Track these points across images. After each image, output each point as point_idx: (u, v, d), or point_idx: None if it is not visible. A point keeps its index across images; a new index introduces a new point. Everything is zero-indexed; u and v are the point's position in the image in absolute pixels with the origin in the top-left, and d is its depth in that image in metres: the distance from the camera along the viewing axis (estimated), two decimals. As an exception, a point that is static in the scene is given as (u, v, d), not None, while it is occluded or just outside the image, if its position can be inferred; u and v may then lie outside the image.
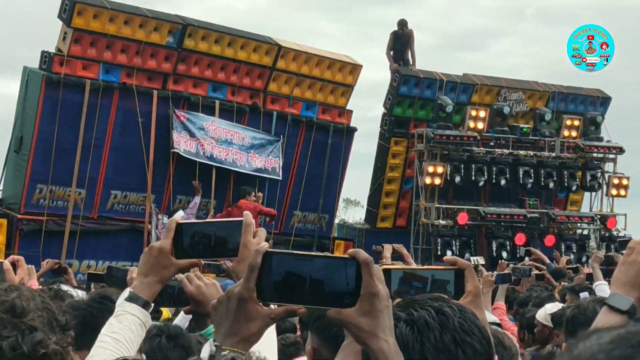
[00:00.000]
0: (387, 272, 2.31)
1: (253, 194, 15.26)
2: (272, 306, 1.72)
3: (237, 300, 1.68)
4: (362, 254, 1.65)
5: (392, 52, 18.43)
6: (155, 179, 15.61)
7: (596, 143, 19.38)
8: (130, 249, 15.48)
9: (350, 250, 1.67)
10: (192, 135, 15.72)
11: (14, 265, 3.74)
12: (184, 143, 15.62)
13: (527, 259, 13.95)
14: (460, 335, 1.87)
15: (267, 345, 2.45)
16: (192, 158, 15.70)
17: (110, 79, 15.14)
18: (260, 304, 1.70)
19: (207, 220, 2.86)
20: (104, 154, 15.23)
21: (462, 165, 18.03)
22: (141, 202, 15.68)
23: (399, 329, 1.83)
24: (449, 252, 17.32)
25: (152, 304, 2.44)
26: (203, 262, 2.36)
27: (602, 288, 6.25)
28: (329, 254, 1.75)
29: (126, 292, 2.42)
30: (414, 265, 8.52)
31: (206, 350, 1.64)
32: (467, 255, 17.18)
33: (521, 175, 18.51)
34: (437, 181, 17.75)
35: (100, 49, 15.00)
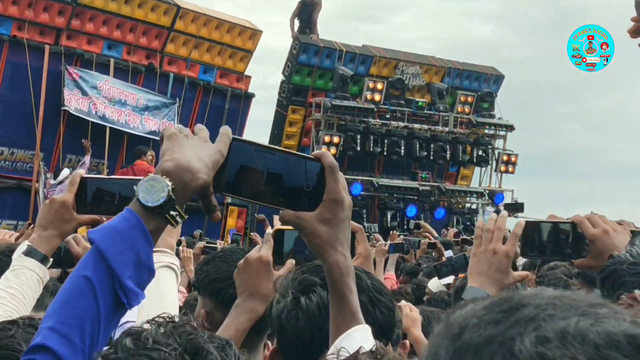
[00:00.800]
0: (280, 233, 2.28)
1: (149, 153, 14.99)
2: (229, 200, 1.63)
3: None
4: (329, 157, 1.56)
5: (297, 20, 18.35)
6: (45, 136, 15.14)
7: (488, 120, 19.88)
8: (15, 208, 15.03)
9: (316, 152, 1.57)
10: (84, 93, 15.29)
11: None
12: (76, 101, 15.18)
13: (415, 231, 14.21)
14: (375, 295, 1.86)
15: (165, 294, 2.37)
16: (84, 117, 15.29)
17: (0, 32, 14.54)
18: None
19: (112, 176, 2.78)
20: (-10, 108, 14.66)
21: (358, 136, 18.19)
22: (29, 160, 15.19)
23: (317, 293, 1.79)
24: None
25: (51, 259, 2.35)
26: (105, 218, 2.28)
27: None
28: (292, 151, 1.62)
29: (24, 246, 2.32)
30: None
31: (159, 190, 1.45)
32: (363, 223, 17.38)
33: (415, 149, 18.82)
34: (333, 151, 17.85)
35: (-10, -2, 14.39)
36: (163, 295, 2.27)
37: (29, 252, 2.30)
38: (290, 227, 2.26)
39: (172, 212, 1.43)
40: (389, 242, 8.04)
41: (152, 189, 1.43)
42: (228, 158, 1.52)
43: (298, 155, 1.59)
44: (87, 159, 14.68)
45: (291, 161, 1.56)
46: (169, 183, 1.43)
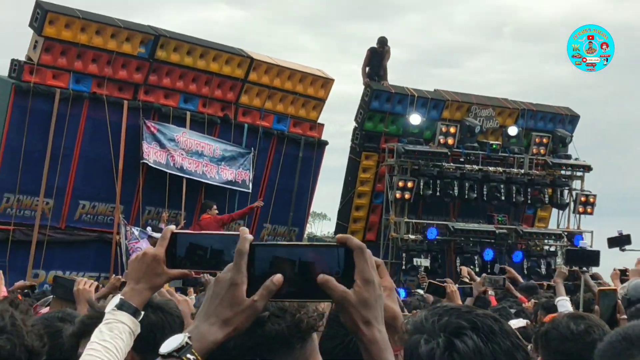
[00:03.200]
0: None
1: (214, 207, 15.24)
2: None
3: (228, 284, 1.60)
4: (355, 240, 1.61)
5: (367, 69, 18.52)
6: (124, 189, 15.51)
7: (564, 161, 19.59)
8: (98, 260, 15.37)
9: (339, 236, 1.61)
10: (162, 146, 15.65)
11: None
12: (154, 154, 15.54)
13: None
14: (515, 340, 1.90)
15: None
16: (162, 169, 15.63)
17: (81, 89, 15.04)
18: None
19: (203, 232, 2.87)
20: (72, 163, 15.10)
21: (432, 181, 18.13)
22: (109, 213, 15.57)
23: (469, 336, 1.83)
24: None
25: (142, 312, 2.42)
26: (194, 273, 2.35)
27: (564, 304, 6.31)
28: (316, 243, 1.68)
29: (116, 299, 2.39)
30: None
31: (176, 340, 1.59)
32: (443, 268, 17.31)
33: (490, 191, 18.64)
34: (407, 196, 17.83)
35: (71, 58, 14.90)
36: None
37: (121, 306, 2.37)
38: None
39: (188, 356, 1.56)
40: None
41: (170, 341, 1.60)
42: (254, 267, 1.59)
43: (322, 245, 1.65)
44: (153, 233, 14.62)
45: (317, 252, 1.61)
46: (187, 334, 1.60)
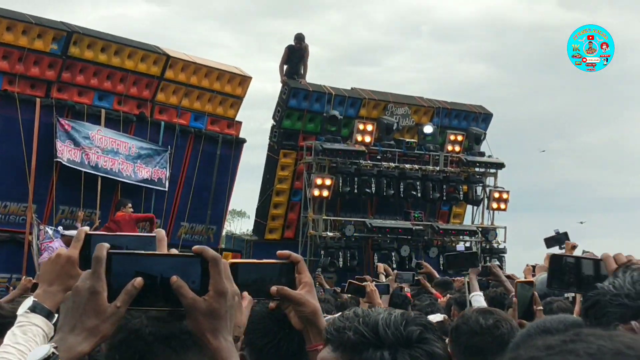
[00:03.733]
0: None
1: (129, 205, 15.03)
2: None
3: (88, 293, 1.59)
4: (210, 251, 1.63)
5: (285, 66, 18.54)
6: (37, 188, 15.18)
7: (478, 158, 20.00)
8: (9, 261, 15.01)
9: (195, 247, 1.63)
10: (76, 144, 15.37)
11: None
12: (68, 152, 15.25)
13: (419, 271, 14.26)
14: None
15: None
16: (76, 167, 15.35)
17: (-9, 85, 14.66)
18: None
19: (118, 233, 2.85)
20: (-18, 162, 14.71)
21: (350, 178, 18.28)
22: (22, 213, 15.21)
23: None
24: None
25: (56, 315, 2.35)
26: None
27: (477, 299, 6.46)
28: (173, 253, 1.70)
29: (29, 301, 2.33)
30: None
31: (42, 350, 1.58)
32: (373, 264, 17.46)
33: (407, 188, 18.90)
34: (325, 193, 17.93)
35: (-19, 54, 14.51)
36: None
37: (34, 308, 2.32)
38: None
39: None
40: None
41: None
42: (111, 272, 1.60)
43: (179, 255, 1.67)
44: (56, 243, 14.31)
45: (175, 261, 1.63)
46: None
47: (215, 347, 1.63)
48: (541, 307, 4.26)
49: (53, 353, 1.56)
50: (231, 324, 1.65)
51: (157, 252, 1.68)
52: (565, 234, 15.18)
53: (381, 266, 10.54)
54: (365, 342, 1.78)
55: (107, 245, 1.62)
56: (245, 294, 2.21)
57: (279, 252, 2.23)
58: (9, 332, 2.28)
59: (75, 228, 14.18)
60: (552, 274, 2.53)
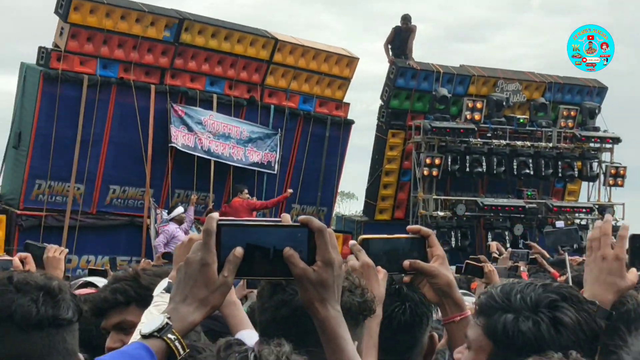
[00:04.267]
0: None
1: (245, 191, 15.34)
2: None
3: (199, 265, 1.64)
4: (316, 221, 1.66)
5: (390, 46, 18.43)
6: (154, 173, 15.64)
7: (593, 133, 19.43)
8: (129, 244, 15.54)
9: (302, 217, 1.67)
10: (190, 129, 15.75)
11: (23, 262, 3.75)
12: (182, 137, 15.65)
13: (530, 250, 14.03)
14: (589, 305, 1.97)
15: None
16: (190, 152, 15.74)
17: (108, 74, 15.15)
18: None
19: (244, 219, 2.96)
20: (102, 149, 15.25)
21: (460, 157, 18.07)
22: (140, 197, 15.71)
23: (564, 308, 1.87)
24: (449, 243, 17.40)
25: None
26: None
27: None
28: (280, 223, 1.71)
29: (164, 282, 2.46)
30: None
31: (157, 321, 1.64)
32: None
33: (519, 166, 18.55)
34: (435, 172, 17.80)
35: (98, 44, 15.00)
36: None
37: (169, 289, 2.40)
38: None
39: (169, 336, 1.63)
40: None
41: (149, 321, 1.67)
42: (221, 244, 1.63)
43: (285, 225, 1.69)
44: (191, 210, 14.97)
45: (282, 231, 1.66)
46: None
47: (323, 316, 1.66)
48: None
49: (167, 323, 1.63)
50: (338, 293, 1.67)
51: (265, 223, 1.71)
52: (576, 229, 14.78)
53: (493, 245, 10.41)
54: (495, 306, 1.89)
55: (216, 216, 1.66)
56: (380, 268, 2.25)
57: (409, 227, 2.30)
58: (146, 312, 2.39)
59: (176, 207, 14.72)
60: (634, 254, 2.45)
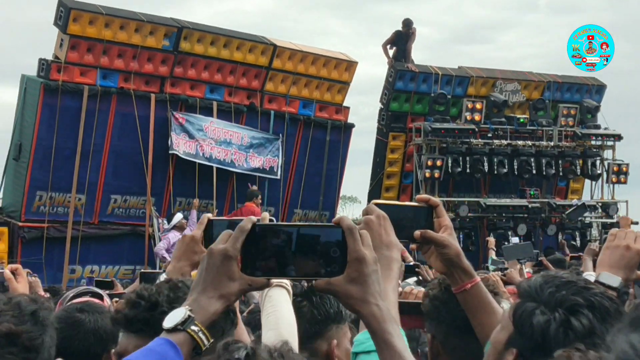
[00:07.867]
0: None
1: (259, 197, 15.39)
2: None
3: (222, 257, 1.67)
4: (346, 221, 1.69)
5: (392, 49, 18.41)
6: (155, 181, 15.65)
7: (594, 131, 19.42)
8: (132, 253, 15.54)
9: (336, 218, 1.71)
10: (191, 136, 15.76)
11: (14, 273, 3.70)
12: (184, 144, 15.66)
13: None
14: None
15: (289, 324, 2.54)
16: (192, 159, 15.74)
17: (108, 84, 15.16)
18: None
19: (236, 217, 3.14)
20: (103, 158, 15.26)
21: (461, 158, 18.07)
22: (141, 206, 15.72)
23: (583, 314, 1.87)
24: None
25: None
26: None
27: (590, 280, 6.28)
28: (313, 223, 1.77)
29: (162, 276, 2.65)
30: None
31: (179, 314, 1.65)
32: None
33: (520, 166, 18.55)
34: (437, 174, 17.79)
35: (97, 54, 15.02)
36: (278, 312, 2.54)
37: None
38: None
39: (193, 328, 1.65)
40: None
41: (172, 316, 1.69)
42: (258, 243, 1.67)
43: (318, 225, 1.75)
44: (193, 214, 15.02)
45: (314, 232, 1.69)
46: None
47: (366, 313, 1.68)
48: None
49: (189, 316, 1.65)
50: (379, 288, 1.69)
51: (299, 223, 1.76)
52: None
53: (492, 240, 10.33)
54: (528, 291, 1.93)
55: (254, 219, 1.70)
56: None
57: (418, 196, 2.34)
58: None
59: (172, 216, 14.81)
60: None
